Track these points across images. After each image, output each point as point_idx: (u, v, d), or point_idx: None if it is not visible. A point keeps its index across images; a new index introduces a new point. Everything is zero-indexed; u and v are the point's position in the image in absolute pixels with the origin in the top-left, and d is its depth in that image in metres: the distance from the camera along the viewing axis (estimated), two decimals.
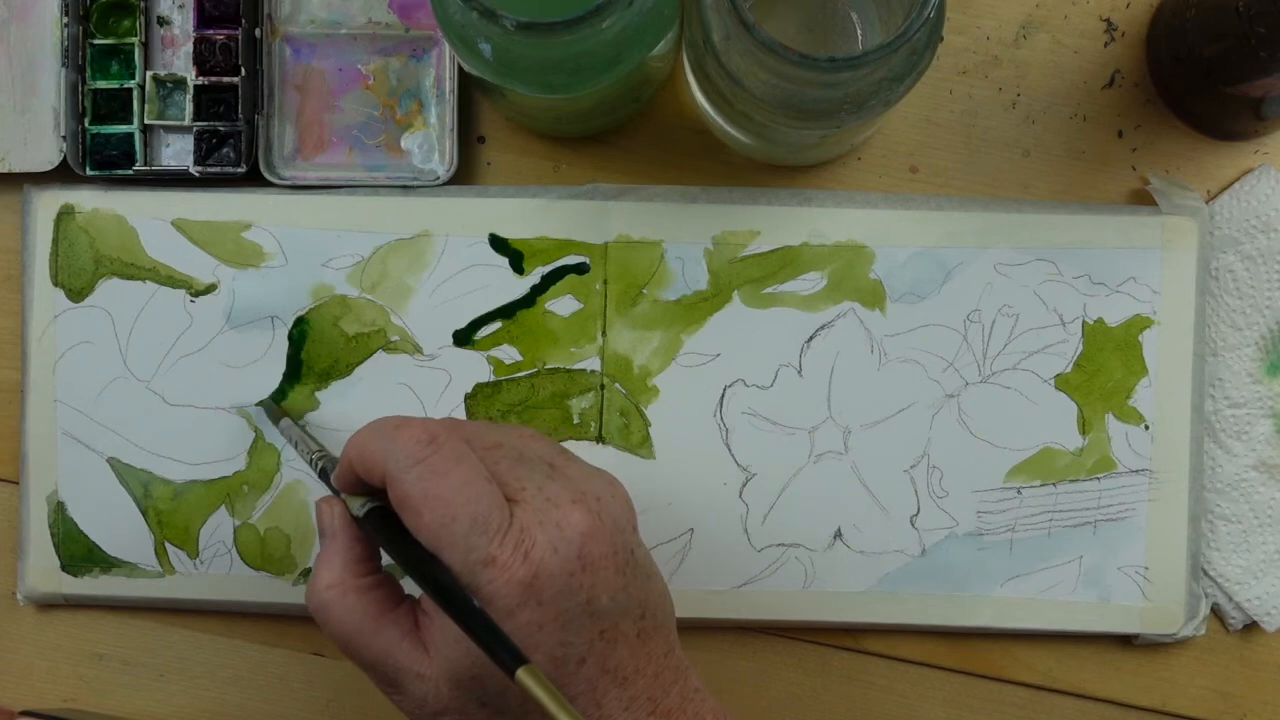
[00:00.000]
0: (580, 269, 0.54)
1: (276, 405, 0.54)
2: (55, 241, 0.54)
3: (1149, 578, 0.54)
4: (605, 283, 0.54)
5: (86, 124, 0.54)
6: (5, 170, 0.54)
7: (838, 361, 0.54)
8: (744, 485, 0.54)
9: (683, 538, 0.54)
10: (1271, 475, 0.54)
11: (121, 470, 0.54)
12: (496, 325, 0.54)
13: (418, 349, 0.54)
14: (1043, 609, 0.54)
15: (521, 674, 0.36)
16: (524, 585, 0.40)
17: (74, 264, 0.54)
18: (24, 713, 0.54)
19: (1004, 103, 0.55)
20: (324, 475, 0.47)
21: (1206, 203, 0.54)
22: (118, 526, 0.54)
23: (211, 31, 0.54)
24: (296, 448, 0.51)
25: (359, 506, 0.43)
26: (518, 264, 0.54)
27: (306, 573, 0.54)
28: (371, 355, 0.54)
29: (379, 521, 0.42)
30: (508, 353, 0.54)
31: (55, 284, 0.54)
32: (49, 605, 0.56)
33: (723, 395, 0.54)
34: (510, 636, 0.39)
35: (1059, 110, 0.55)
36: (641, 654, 0.42)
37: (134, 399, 0.54)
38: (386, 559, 0.45)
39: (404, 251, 0.54)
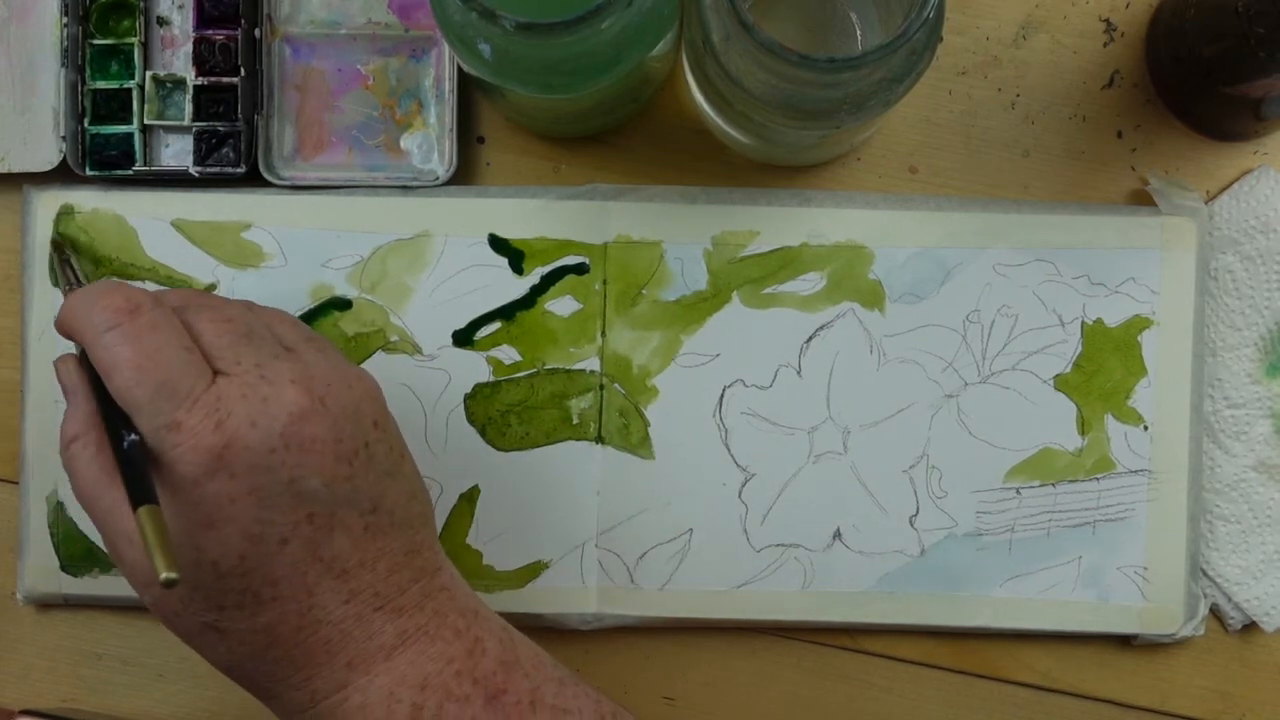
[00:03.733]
0: (580, 269, 0.54)
1: (64, 241, 0.53)
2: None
3: (1148, 578, 0.54)
4: (605, 283, 0.54)
5: (86, 124, 0.54)
6: (5, 170, 0.54)
7: (837, 362, 0.54)
8: (743, 485, 0.54)
9: (682, 538, 0.54)
10: (1270, 475, 0.54)
11: None
12: (496, 325, 0.54)
13: (417, 349, 0.54)
14: (1042, 609, 0.54)
15: (141, 512, 0.37)
16: (213, 454, 0.39)
17: None
18: (24, 712, 0.54)
19: (1004, 103, 0.55)
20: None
21: (1206, 203, 0.54)
22: None
23: (211, 32, 0.54)
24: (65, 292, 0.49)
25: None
26: (517, 264, 0.54)
27: None
28: (371, 355, 0.54)
29: (91, 373, 0.42)
30: (507, 353, 0.54)
31: (55, 284, 0.54)
32: (48, 605, 0.56)
33: (722, 395, 0.54)
34: (198, 506, 0.39)
35: (1058, 110, 0.55)
36: (370, 549, 0.41)
37: None
38: None
39: (403, 251, 0.54)
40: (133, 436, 0.39)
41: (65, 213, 0.54)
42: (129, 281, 0.54)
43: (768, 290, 0.54)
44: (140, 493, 0.38)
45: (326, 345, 0.44)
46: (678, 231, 0.54)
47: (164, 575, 0.36)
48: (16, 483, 0.55)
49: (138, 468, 0.39)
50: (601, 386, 0.54)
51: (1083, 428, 0.54)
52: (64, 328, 0.43)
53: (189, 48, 0.54)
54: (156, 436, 0.39)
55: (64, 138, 0.54)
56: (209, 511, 0.39)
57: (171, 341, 0.40)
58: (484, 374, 0.54)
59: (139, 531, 0.37)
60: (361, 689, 0.41)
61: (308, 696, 0.42)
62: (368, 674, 0.41)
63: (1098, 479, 0.54)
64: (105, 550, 0.54)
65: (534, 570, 0.54)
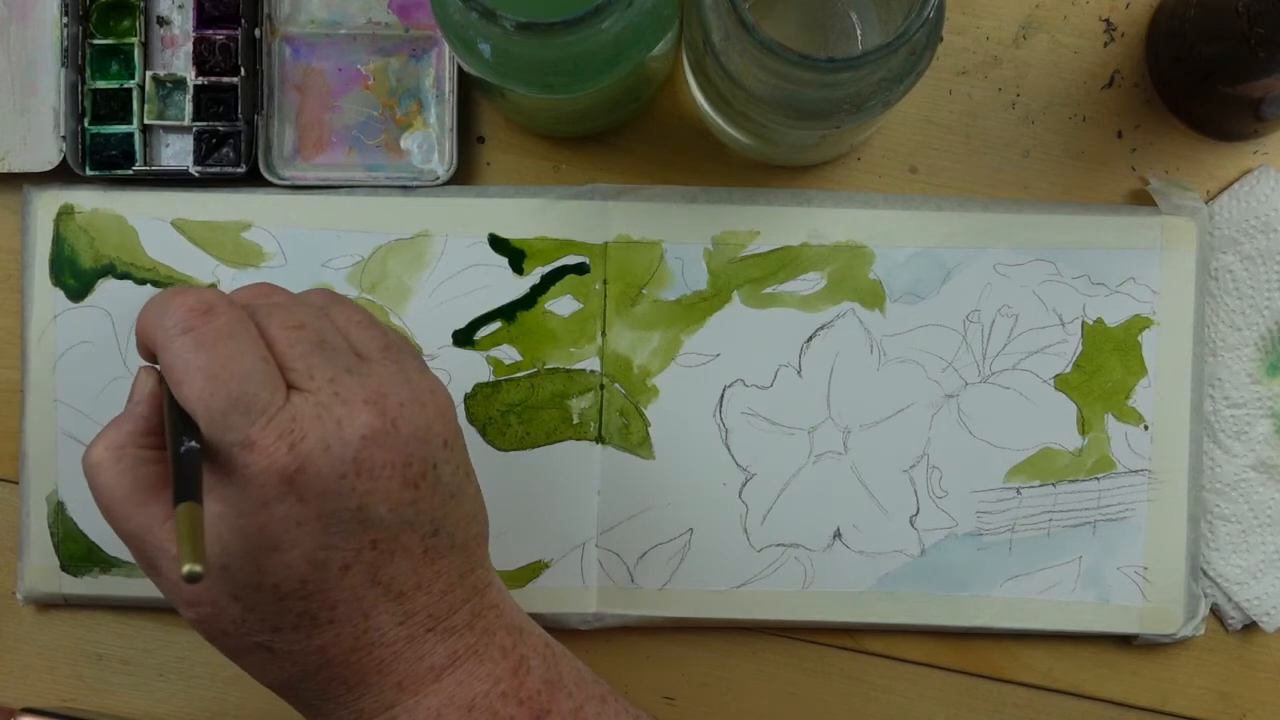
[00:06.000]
0: (580, 269, 0.54)
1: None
2: (55, 241, 0.54)
3: (1148, 578, 0.54)
4: (605, 283, 0.54)
5: (86, 124, 0.54)
6: (5, 170, 0.54)
7: (837, 362, 0.54)
8: (743, 485, 0.54)
9: (682, 538, 0.54)
10: (1271, 475, 0.54)
11: None
12: (496, 325, 0.54)
13: (417, 349, 0.54)
14: (1042, 609, 0.54)
15: (182, 507, 0.35)
16: (284, 477, 0.38)
17: (74, 264, 0.54)
18: (24, 710, 0.54)
19: (1004, 103, 0.55)
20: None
21: (1206, 203, 0.54)
22: None
23: (211, 31, 0.54)
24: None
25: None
26: (517, 264, 0.54)
27: None
28: None
29: (166, 385, 0.40)
30: (507, 353, 0.54)
31: (55, 284, 0.54)
32: (49, 605, 0.56)
33: (722, 395, 0.54)
34: (264, 528, 0.38)
35: (1059, 111, 0.55)
36: (427, 571, 0.41)
37: None
38: None
39: (404, 251, 0.54)
40: (192, 444, 0.38)
41: (65, 213, 0.54)
42: (129, 281, 0.54)
43: (768, 290, 0.54)
44: (187, 492, 0.36)
45: (403, 353, 0.42)
46: (678, 231, 0.54)
47: (187, 568, 0.34)
48: (16, 483, 0.55)
49: (191, 473, 0.37)
50: (602, 386, 0.54)
51: (1083, 427, 0.54)
52: (139, 334, 0.41)
53: (189, 48, 0.54)
54: (227, 452, 0.38)
55: (64, 138, 0.54)
56: (275, 534, 0.38)
57: (247, 350, 0.39)
58: (484, 374, 0.54)
59: (176, 525, 0.36)
60: (409, 710, 0.41)
61: (354, 715, 0.41)
62: (416, 695, 0.41)
63: (1098, 479, 0.54)
64: (107, 552, 0.54)
65: (534, 570, 0.54)
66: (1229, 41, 0.49)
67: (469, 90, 0.55)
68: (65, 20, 0.54)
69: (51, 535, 0.54)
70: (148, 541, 0.40)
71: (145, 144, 0.55)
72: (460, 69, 0.54)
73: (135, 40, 0.54)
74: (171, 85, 0.55)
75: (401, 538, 0.40)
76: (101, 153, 0.54)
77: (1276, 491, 0.54)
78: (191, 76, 0.54)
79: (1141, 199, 0.55)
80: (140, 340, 0.41)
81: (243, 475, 0.38)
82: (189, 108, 0.54)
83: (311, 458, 0.38)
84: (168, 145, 0.55)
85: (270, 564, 0.39)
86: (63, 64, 0.54)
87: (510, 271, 0.54)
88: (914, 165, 0.55)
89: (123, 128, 0.54)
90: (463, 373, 0.54)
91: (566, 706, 0.42)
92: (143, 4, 0.54)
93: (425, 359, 0.54)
